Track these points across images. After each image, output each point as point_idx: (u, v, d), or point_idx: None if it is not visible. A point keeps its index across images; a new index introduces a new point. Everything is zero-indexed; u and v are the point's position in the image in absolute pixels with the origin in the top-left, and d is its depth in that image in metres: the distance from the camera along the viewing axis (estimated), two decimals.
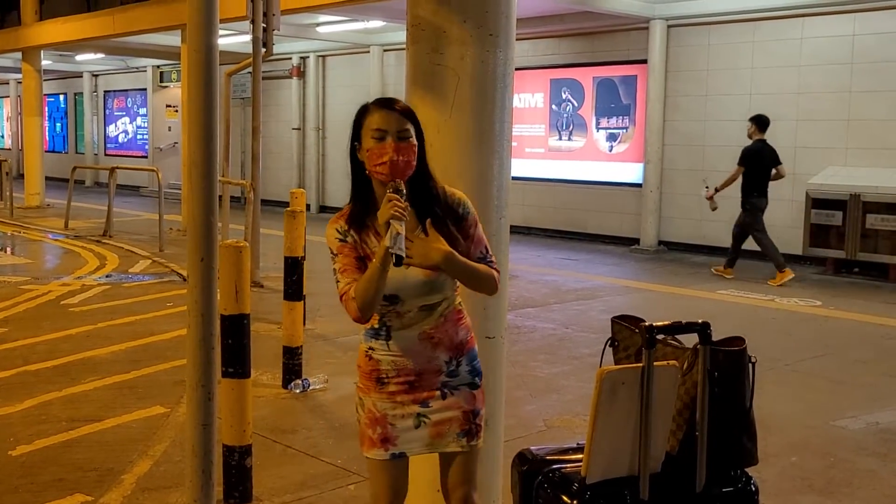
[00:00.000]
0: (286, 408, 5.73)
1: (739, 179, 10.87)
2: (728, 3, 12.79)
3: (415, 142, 2.69)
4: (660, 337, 2.45)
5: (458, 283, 2.82)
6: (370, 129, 2.67)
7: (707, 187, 11.21)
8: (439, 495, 2.98)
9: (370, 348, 2.83)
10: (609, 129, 14.67)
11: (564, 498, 2.37)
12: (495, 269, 2.80)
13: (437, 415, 2.79)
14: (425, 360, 2.77)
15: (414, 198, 2.70)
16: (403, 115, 2.69)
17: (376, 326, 2.81)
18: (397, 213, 2.53)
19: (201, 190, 3.21)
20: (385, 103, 2.73)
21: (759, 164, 10.76)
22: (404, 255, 2.54)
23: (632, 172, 14.34)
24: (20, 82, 22.46)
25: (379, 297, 2.64)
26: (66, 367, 6.52)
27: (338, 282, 2.71)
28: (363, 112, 2.74)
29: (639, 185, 14.09)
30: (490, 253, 2.82)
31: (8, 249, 13.22)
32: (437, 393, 2.79)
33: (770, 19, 12.50)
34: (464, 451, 2.80)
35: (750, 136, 10.96)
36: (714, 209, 11.28)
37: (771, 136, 12.43)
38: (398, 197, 2.57)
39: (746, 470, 2.53)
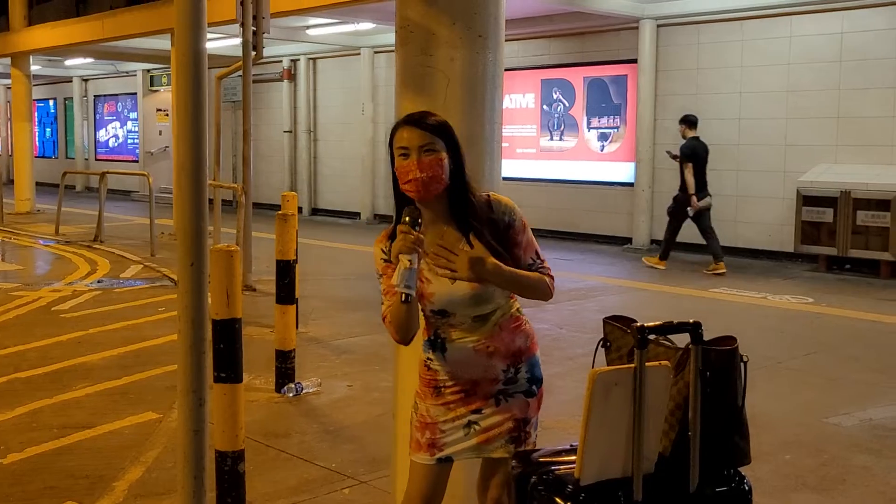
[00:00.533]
0: (279, 412, 5.72)
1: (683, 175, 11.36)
2: (717, 3, 12.83)
3: (443, 155, 2.63)
4: (652, 337, 2.44)
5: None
6: (396, 148, 2.66)
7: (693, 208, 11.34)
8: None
9: (428, 358, 2.83)
10: (600, 128, 14.69)
11: (558, 500, 2.36)
12: (548, 274, 2.78)
13: (488, 421, 2.78)
14: (482, 370, 2.77)
15: (453, 210, 2.70)
16: (427, 131, 2.64)
17: (431, 338, 2.80)
18: (405, 248, 2.51)
19: (191, 194, 3.19)
20: (410, 119, 2.69)
21: (696, 161, 11.28)
22: (412, 294, 2.53)
23: (623, 172, 14.36)
24: (9, 88, 22.39)
25: (412, 324, 2.63)
26: (58, 374, 6.49)
27: (382, 303, 2.72)
28: (393, 131, 2.70)
29: (631, 185, 14.11)
30: (541, 258, 2.79)
31: None
32: (492, 400, 2.78)
33: (758, 18, 12.54)
34: (509, 455, 2.79)
35: (683, 136, 11.49)
36: (698, 209, 11.37)
37: (762, 134, 12.50)
38: (409, 228, 2.53)
39: (740, 469, 2.53)
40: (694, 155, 11.26)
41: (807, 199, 11.41)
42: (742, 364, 2.49)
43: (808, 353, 7.29)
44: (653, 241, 13.79)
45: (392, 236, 2.68)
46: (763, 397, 5.77)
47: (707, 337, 2.45)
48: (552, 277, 2.80)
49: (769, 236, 12.53)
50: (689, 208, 11.25)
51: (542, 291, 2.77)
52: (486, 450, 2.81)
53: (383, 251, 2.73)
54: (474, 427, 2.79)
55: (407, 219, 2.55)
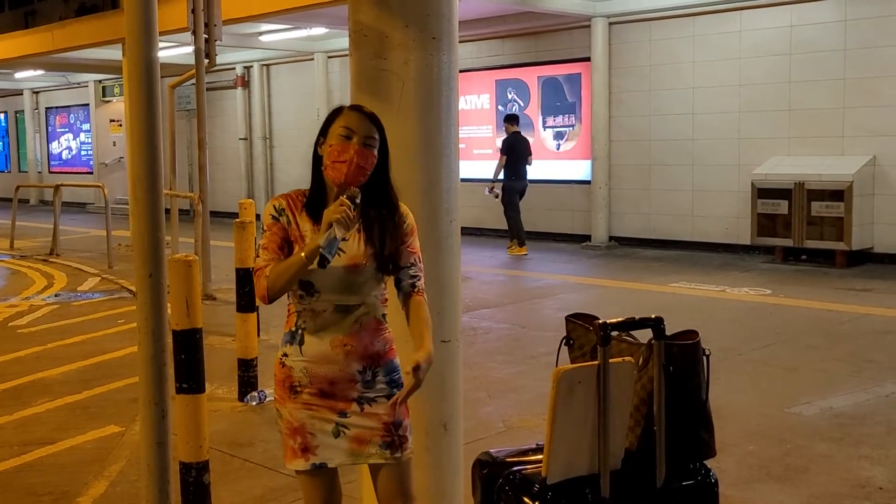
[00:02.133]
0: (243, 421, 5.67)
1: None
2: None
3: (375, 154, 2.73)
4: (614, 334, 2.46)
5: (385, 295, 2.82)
6: (339, 126, 2.72)
7: (489, 188, 13.29)
8: None
9: (284, 355, 2.81)
10: (556, 127, 14.76)
11: (526, 499, 2.37)
12: (419, 291, 2.80)
13: (356, 425, 2.76)
14: (338, 367, 2.75)
15: (369, 201, 2.75)
16: (375, 126, 2.74)
17: (293, 329, 2.80)
18: (343, 219, 2.56)
19: (146, 205, 3.16)
20: (361, 109, 2.80)
21: (514, 153, 13.14)
22: (330, 260, 2.57)
23: (580, 170, 14.44)
24: None
25: (291, 285, 2.68)
26: (17, 390, 6.38)
27: (256, 256, 2.75)
28: (336, 112, 2.79)
29: (587, 182, 14.20)
30: (419, 264, 2.82)
31: None
32: (354, 403, 2.77)
33: (709, 13, 12.68)
34: (388, 462, 2.77)
35: (507, 132, 13.33)
36: (497, 196, 13.22)
37: (716, 129, 12.66)
38: (350, 205, 2.58)
39: (706, 462, 2.55)
40: (511, 149, 13.09)
41: (762, 192, 11.56)
42: (705, 357, 2.52)
43: (768, 344, 7.38)
44: (611, 238, 13.88)
45: (308, 202, 2.78)
46: (725, 389, 5.83)
47: (669, 331, 2.47)
48: (422, 292, 2.82)
49: (726, 229, 12.67)
50: (488, 192, 13.22)
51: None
52: (362, 455, 2.79)
53: (274, 207, 2.80)
54: (343, 431, 2.77)
55: (349, 195, 2.63)
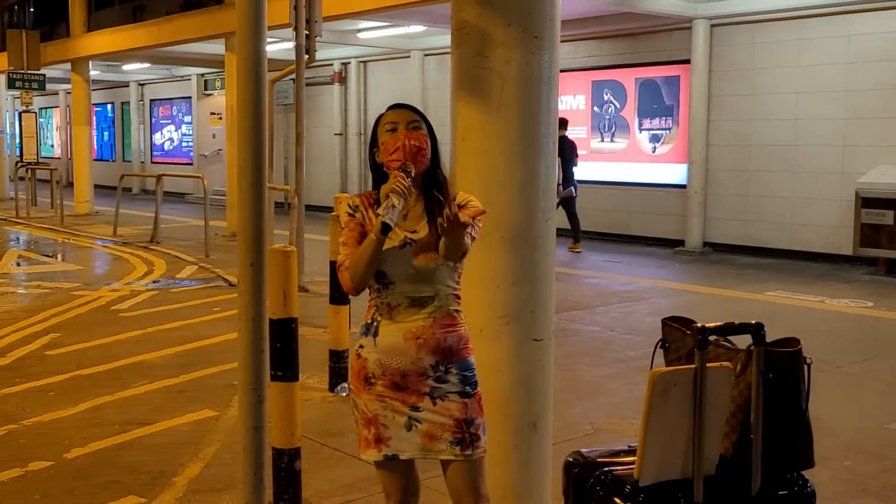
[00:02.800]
0: (333, 411, 5.77)
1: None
2: (772, 2, 12.63)
3: (426, 133, 2.83)
4: (712, 338, 2.42)
5: (458, 291, 2.86)
6: (383, 126, 2.85)
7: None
8: None
9: (360, 346, 2.88)
10: (652, 130, 14.57)
11: (617, 500, 2.35)
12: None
13: (428, 420, 2.80)
14: (409, 360, 2.79)
15: (426, 193, 2.84)
16: (413, 111, 2.87)
17: (368, 322, 2.87)
18: (398, 188, 2.66)
19: (251, 196, 3.24)
20: (394, 105, 2.92)
21: (560, 157, 12.87)
22: (392, 225, 2.65)
23: (676, 173, 14.22)
24: (69, 92, 22.87)
25: (370, 268, 2.73)
26: (118, 372, 6.62)
27: (339, 253, 2.83)
28: (377, 120, 2.92)
29: (683, 187, 13.97)
30: (476, 227, 2.82)
31: (59, 256, 13.46)
32: (427, 398, 2.80)
33: (816, 16, 12.33)
34: (457, 459, 2.79)
35: None
36: (562, 197, 13.18)
37: (819, 135, 12.33)
38: (404, 175, 2.70)
39: (803, 473, 2.50)
40: (559, 152, 12.57)
41: (866, 201, 11.19)
42: (806, 366, 2.46)
43: (868, 357, 7.16)
44: (706, 244, 13.64)
45: (368, 199, 2.89)
46: (821, 402, 5.65)
47: (768, 340, 2.43)
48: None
49: (827, 239, 12.31)
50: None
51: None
52: (433, 451, 2.81)
53: (349, 206, 2.89)
54: (416, 425, 2.80)
55: (403, 167, 2.73)
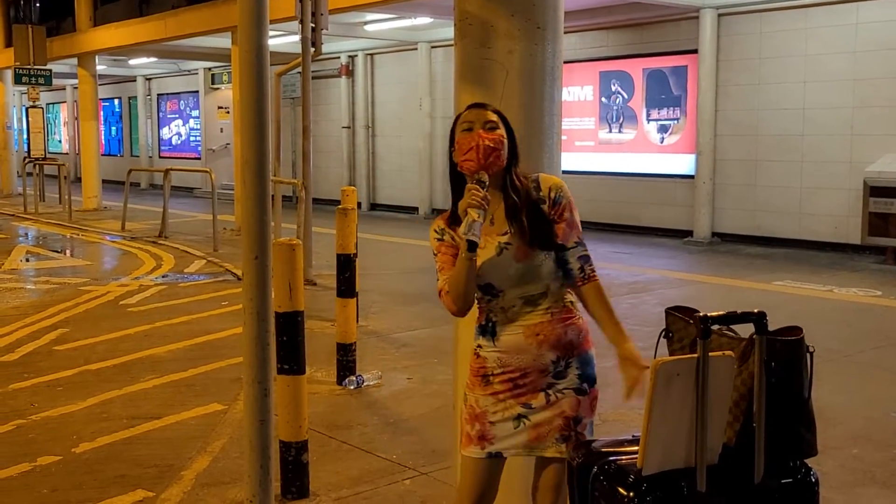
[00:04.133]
0: (341, 404, 5.78)
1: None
2: None
3: (503, 133, 2.77)
4: (715, 327, 2.42)
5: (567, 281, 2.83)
6: (460, 125, 2.79)
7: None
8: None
9: (478, 346, 2.85)
10: (660, 120, 14.53)
11: (620, 490, 2.36)
12: (589, 277, 2.83)
13: (538, 416, 2.78)
14: (531, 357, 2.78)
15: (506, 194, 2.79)
16: (488, 109, 2.81)
17: (483, 323, 2.84)
18: (475, 202, 2.60)
19: (254, 189, 3.24)
20: (473, 105, 2.87)
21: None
22: (478, 241, 2.61)
23: (684, 164, 14.19)
24: (76, 87, 22.92)
25: (469, 287, 2.69)
26: (126, 366, 6.64)
27: (438, 279, 2.79)
28: (455, 120, 2.87)
29: (691, 177, 13.94)
30: (584, 242, 2.85)
31: (67, 251, 13.51)
32: (541, 394, 2.79)
33: (823, 5, 12.28)
34: (561, 456, 2.79)
35: None
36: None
37: (827, 124, 12.29)
38: (478, 187, 2.63)
39: (806, 461, 2.50)
40: None
41: (874, 190, 11.15)
42: (808, 355, 2.46)
43: (876, 346, 7.14)
44: (714, 234, 13.61)
45: (451, 217, 2.81)
46: (829, 391, 5.67)
47: (771, 328, 2.42)
48: (595, 277, 2.85)
49: (835, 228, 12.28)
50: None
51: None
52: (538, 448, 2.80)
53: (435, 231, 2.84)
54: (524, 422, 2.78)
55: (476, 179, 2.67)
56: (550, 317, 2.79)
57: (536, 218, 2.77)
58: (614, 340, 2.79)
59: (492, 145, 2.71)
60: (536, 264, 2.75)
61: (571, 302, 2.87)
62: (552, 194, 2.83)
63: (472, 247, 2.60)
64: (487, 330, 2.82)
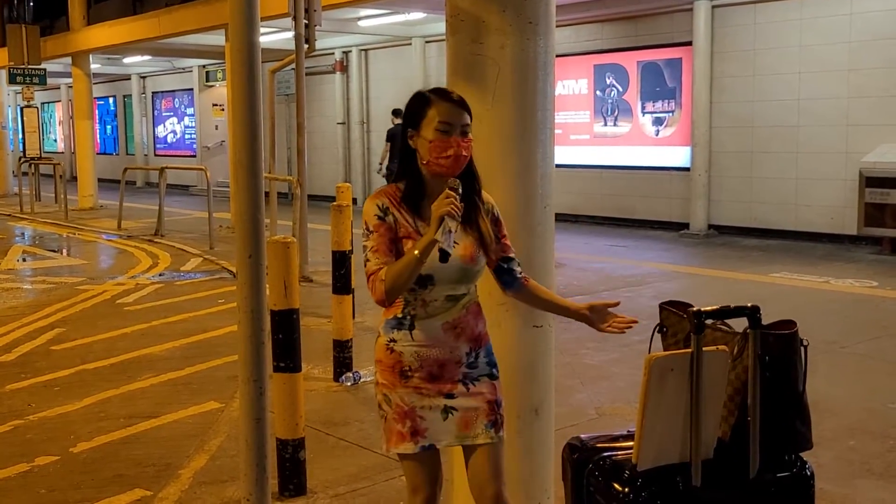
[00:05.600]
0: (338, 400, 5.78)
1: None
2: None
3: (471, 138, 2.74)
4: (709, 322, 2.42)
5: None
6: (434, 121, 2.70)
7: (381, 165, 15.58)
8: None
9: (391, 340, 2.81)
10: (655, 113, 14.53)
11: (616, 485, 2.36)
12: (528, 279, 2.94)
13: (464, 406, 2.80)
14: (448, 350, 2.78)
15: (465, 190, 2.74)
16: (465, 109, 2.74)
17: (399, 316, 2.80)
18: (453, 211, 2.56)
19: (248, 187, 3.24)
20: (446, 95, 2.77)
21: (395, 142, 14.91)
22: (450, 253, 2.58)
23: (679, 156, 14.19)
24: (71, 87, 22.87)
25: (409, 284, 2.68)
26: (123, 365, 6.64)
27: (367, 260, 2.72)
28: (424, 102, 2.76)
29: (687, 169, 13.94)
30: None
31: (63, 251, 13.49)
32: (460, 384, 2.80)
33: None
34: (492, 442, 2.80)
35: (393, 123, 15.30)
36: (383, 175, 15.25)
37: (822, 115, 12.29)
38: (455, 195, 2.60)
39: (801, 455, 2.50)
40: (394, 137, 14.88)
41: (870, 181, 11.16)
42: (802, 348, 2.46)
43: (873, 337, 7.15)
44: (710, 226, 13.62)
45: (405, 196, 2.76)
46: (826, 382, 5.68)
47: (766, 321, 2.42)
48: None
49: (831, 219, 12.29)
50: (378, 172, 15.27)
51: None
52: (468, 436, 2.81)
53: (378, 207, 2.74)
54: (452, 413, 2.79)
55: (450, 186, 2.63)
56: (466, 311, 2.81)
57: (490, 227, 2.82)
58: (572, 307, 2.90)
59: (466, 155, 2.71)
60: (477, 269, 2.79)
61: (478, 296, 2.90)
62: (495, 211, 2.87)
63: (444, 257, 2.57)
64: (405, 324, 2.79)
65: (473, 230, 2.78)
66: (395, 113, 15.49)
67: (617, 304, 2.77)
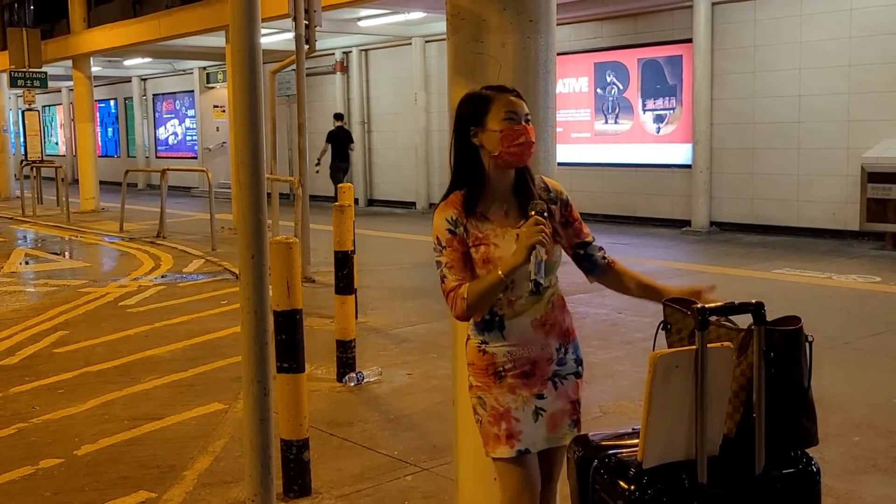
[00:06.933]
0: (341, 401, 5.78)
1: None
2: None
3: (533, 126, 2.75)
4: (713, 318, 2.41)
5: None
6: (501, 111, 2.68)
7: (318, 162, 16.82)
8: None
9: (482, 342, 2.78)
10: (656, 110, 14.52)
11: (621, 483, 2.35)
12: (614, 261, 2.96)
13: (552, 407, 2.79)
14: (539, 347, 2.76)
15: (517, 188, 2.75)
16: (524, 100, 2.75)
17: (487, 318, 2.76)
18: (543, 240, 2.54)
19: (250, 188, 3.24)
20: (504, 89, 2.77)
21: (338, 142, 17.38)
22: (544, 284, 2.59)
23: (680, 153, 14.18)
24: (72, 89, 22.88)
25: (491, 302, 2.67)
26: (127, 367, 6.64)
27: (444, 277, 2.68)
28: (483, 99, 2.73)
29: (688, 166, 13.93)
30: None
31: (66, 254, 13.50)
32: (550, 384, 2.78)
33: None
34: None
35: (334, 125, 17.49)
36: (317, 172, 16.52)
37: (823, 111, 12.27)
38: (545, 221, 2.56)
39: (807, 451, 2.49)
40: (335, 137, 17.36)
41: (872, 176, 11.14)
42: (807, 344, 2.45)
43: (877, 333, 7.14)
44: (712, 223, 13.60)
45: (465, 204, 2.70)
46: (831, 378, 5.67)
47: (770, 318, 2.41)
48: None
49: (833, 215, 12.28)
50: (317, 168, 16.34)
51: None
52: (555, 438, 2.79)
53: (448, 221, 2.69)
54: (541, 414, 2.77)
55: (537, 210, 2.59)
56: (552, 306, 2.79)
57: (558, 216, 2.80)
58: (663, 289, 2.85)
59: (534, 141, 2.71)
60: (554, 260, 2.75)
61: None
62: (563, 196, 2.85)
63: (539, 287, 2.57)
64: (494, 325, 2.76)
65: (553, 228, 2.73)
66: (337, 117, 17.64)
67: (713, 288, 2.70)
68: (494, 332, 2.76)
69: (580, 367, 2.87)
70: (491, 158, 2.71)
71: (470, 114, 2.74)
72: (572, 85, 15.62)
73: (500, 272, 2.58)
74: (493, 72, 3.44)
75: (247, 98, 3.22)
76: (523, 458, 2.77)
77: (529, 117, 2.72)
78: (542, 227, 2.54)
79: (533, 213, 2.58)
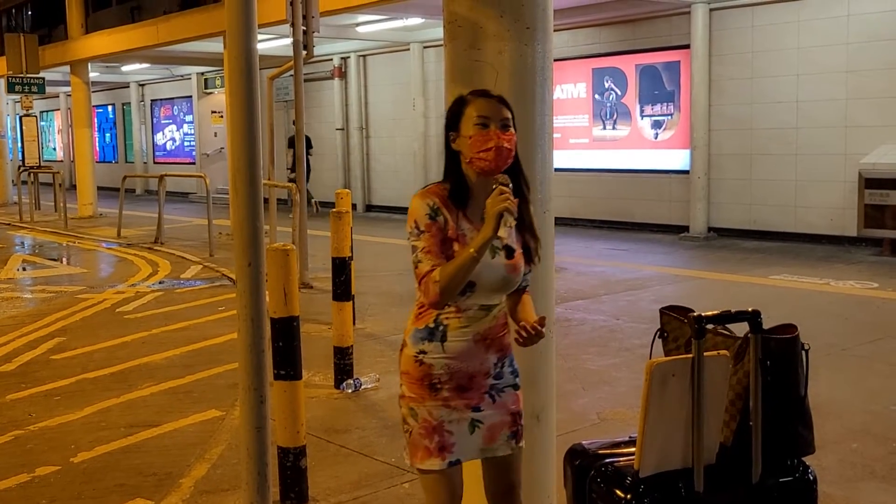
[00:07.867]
0: (339, 408, 5.77)
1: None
2: None
3: (514, 132, 2.68)
4: (709, 327, 2.41)
5: None
6: (472, 117, 2.66)
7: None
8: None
9: (420, 352, 2.73)
10: (654, 116, 14.53)
11: (618, 492, 2.35)
12: (527, 290, 2.88)
13: (490, 419, 2.76)
14: (478, 362, 2.73)
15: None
16: (504, 104, 2.70)
17: (431, 326, 2.72)
18: (510, 206, 2.51)
19: (246, 195, 3.24)
20: (483, 92, 2.74)
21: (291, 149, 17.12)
22: (515, 249, 2.57)
23: (678, 159, 14.19)
24: (70, 95, 22.88)
25: (463, 285, 2.60)
26: (124, 374, 6.63)
27: (419, 261, 2.64)
28: (461, 102, 2.72)
29: (686, 172, 13.94)
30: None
31: (63, 260, 13.48)
32: (487, 397, 2.76)
33: None
34: (511, 453, 2.78)
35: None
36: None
37: (821, 117, 12.28)
38: (509, 191, 2.54)
39: (804, 459, 2.49)
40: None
41: (869, 182, 11.15)
42: (804, 352, 2.45)
43: (874, 339, 7.14)
44: (710, 229, 13.61)
45: (452, 195, 2.68)
46: (828, 385, 5.67)
47: (767, 325, 2.41)
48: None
49: (831, 221, 12.29)
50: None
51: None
52: (491, 449, 2.78)
53: (429, 206, 2.66)
54: (478, 426, 2.74)
55: (500, 181, 2.57)
56: (495, 321, 2.76)
57: (531, 234, 2.76)
58: (518, 316, 2.77)
59: (508, 147, 2.64)
60: (517, 280, 2.72)
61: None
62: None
63: (511, 253, 2.55)
64: (436, 335, 2.71)
65: (520, 236, 2.72)
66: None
67: (543, 321, 2.62)
68: (435, 342, 2.72)
69: (517, 379, 2.83)
70: (465, 164, 2.70)
71: (449, 118, 2.75)
72: (570, 91, 15.63)
73: (471, 250, 2.54)
74: (490, 79, 3.44)
75: (243, 103, 3.22)
76: (450, 471, 2.76)
77: (508, 123, 2.66)
78: (506, 195, 2.52)
79: (495, 185, 2.57)
